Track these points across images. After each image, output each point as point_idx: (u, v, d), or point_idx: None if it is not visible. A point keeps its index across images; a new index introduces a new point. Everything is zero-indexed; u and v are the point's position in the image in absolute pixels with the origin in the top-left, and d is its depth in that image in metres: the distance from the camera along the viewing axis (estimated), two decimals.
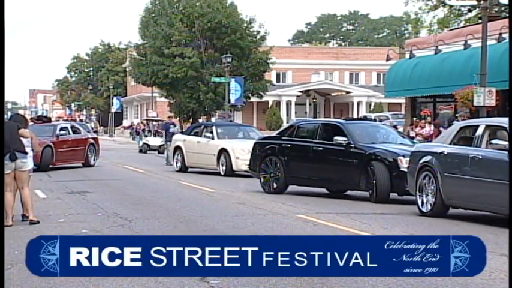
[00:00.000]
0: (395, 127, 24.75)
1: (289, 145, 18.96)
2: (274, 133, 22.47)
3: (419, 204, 14.42)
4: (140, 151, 45.80)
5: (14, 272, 8.61)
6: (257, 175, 19.69)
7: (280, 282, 7.94)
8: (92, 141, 30.06)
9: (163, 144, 44.75)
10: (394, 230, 12.44)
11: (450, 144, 14.10)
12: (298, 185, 18.89)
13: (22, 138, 13.01)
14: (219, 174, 25.36)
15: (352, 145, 17.46)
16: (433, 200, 14.04)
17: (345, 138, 17.59)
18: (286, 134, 19.62)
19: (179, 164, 27.56)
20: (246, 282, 7.95)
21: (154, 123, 55.27)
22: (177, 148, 27.89)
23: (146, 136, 48.12)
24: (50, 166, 26.60)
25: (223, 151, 25.44)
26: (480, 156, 12.98)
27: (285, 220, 13.52)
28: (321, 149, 18.17)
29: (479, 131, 13.37)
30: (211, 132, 26.76)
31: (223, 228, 12.34)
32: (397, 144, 17.98)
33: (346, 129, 17.88)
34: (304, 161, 18.52)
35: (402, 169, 16.45)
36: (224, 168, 25.32)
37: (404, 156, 16.62)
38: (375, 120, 20.57)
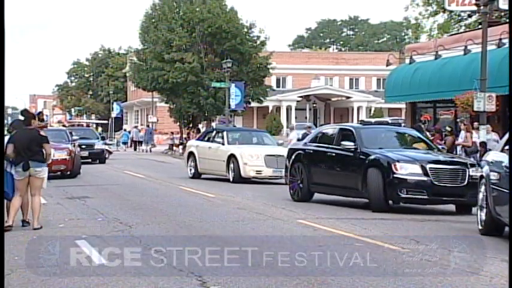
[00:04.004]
0: None
1: (311, 151, 18.53)
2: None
3: (478, 219, 12.60)
4: None
5: (14, 278, 8.58)
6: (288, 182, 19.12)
7: (281, 286, 7.92)
8: (78, 148, 29.99)
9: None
10: (394, 235, 12.39)
11: (501, 151, 12.32)
12: (321, 192, 18.28)
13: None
14: (228, 180, 24.78)
15: (359, 150, 16.91)
16: (486, 216, 12.19)
17: (353, 143, 17.05)
18: (311, 139, 19.24)
19: (192, 171, 26.75)
20: (246, 287, 7.93)
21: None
22: (190, 154, 27.12)
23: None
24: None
25: (232, 157, 24.72)
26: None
27: (285, 225, 13.51)
28: (334, 154, 17.66)
29: None
30: (222, 138, 26.05)
31: (223, 233, 12.30)
32: (408, 150, 17.13)
33: (357, 134, 17.31)
34: (323, 167, 18.02)
35: (397, 175, 15.69)
36: (232, 174, 24.68)
37: (399, 161, 15.82)
38: (399, 124, 19.10)
